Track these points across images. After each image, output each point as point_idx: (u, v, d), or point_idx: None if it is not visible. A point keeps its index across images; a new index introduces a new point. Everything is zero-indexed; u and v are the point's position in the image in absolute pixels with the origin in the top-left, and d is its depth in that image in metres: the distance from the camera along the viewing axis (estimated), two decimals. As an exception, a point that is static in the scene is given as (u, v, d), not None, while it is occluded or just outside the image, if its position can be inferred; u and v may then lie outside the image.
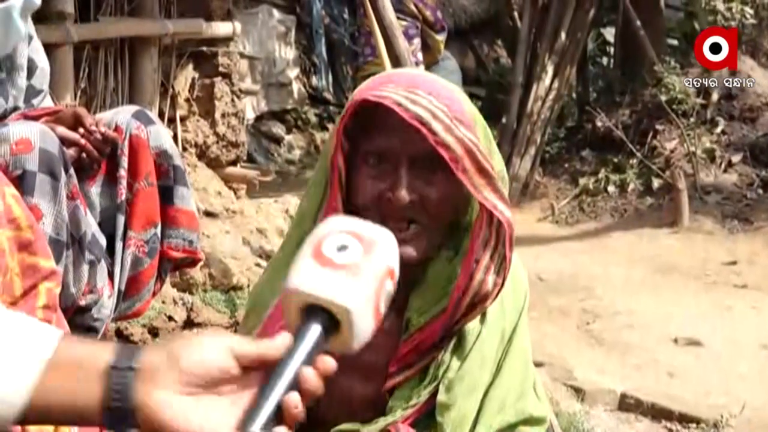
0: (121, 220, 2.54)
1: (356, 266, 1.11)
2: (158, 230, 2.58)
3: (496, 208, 1.50)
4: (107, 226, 2.56)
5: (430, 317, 1.57)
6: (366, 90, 1.53)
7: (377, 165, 1.53)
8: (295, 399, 1.03)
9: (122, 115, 2.58)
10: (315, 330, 1.08)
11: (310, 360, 1.06)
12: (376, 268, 1.13)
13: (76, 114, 2.47)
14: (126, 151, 2.53)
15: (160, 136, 2.59)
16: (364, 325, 1.11)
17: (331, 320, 1.09)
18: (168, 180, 2.60)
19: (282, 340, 1.08)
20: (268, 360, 1.07)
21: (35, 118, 2.45)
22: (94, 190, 2.56)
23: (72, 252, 2.34)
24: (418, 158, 1.51)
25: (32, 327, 1.11)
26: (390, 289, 1.16)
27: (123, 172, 2.53)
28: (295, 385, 1.04)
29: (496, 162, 1.55)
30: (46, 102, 2.73)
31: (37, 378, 1.06)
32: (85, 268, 2.40)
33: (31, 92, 2.65)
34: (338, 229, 1.14)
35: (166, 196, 2.60)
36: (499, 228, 1.52)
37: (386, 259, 1.15)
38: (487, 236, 1.52)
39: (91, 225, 2.47)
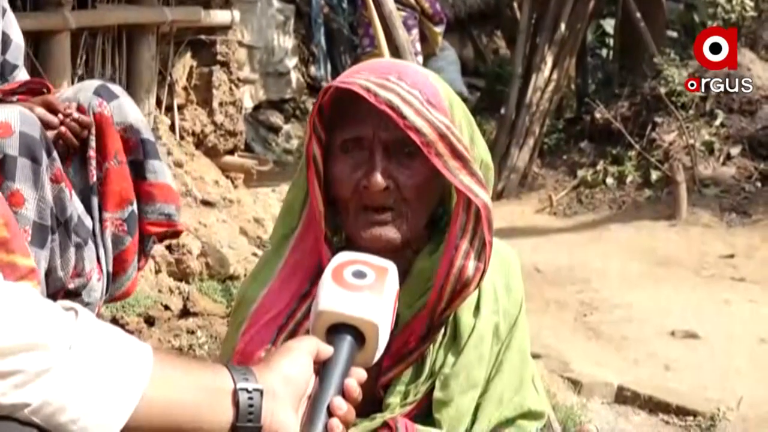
0: (95, 201, 2.48)
1: (376, 288, 1.25)
2: (135, 207, 2.52)
3: (472, 191, 1.49)
4: (85, 208, 2.50)
5: (416, 310, 1.56)
6: (338, 79, 1.52)
7: (353, 153, 1.52)
8: (339, 402, 1.16)
9: (84, 92, 2.49)
10: (350, 344, 1.21)
11: (347, 372, 1.20)
12: (390, 289, 1.27)
13: (47, 102, 2.40)
14: (93, 130, 2.45)
15: (123, 110, 2.48)
16: (384, 338, 1.25)
17: (356, 337, 1.22)
18: (138, 155, 2.50)
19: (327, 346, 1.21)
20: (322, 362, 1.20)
21: (8, 93, 2.40)
22: (71, 172, 2.50)
23: (58, 236, 2.30)
24: (393, 144, 1.50)
25: (128, 343, 1.11)
26: (396, 308, 1.29)
27: (92, 153, 2.45)
28: (341, 395, 1.18)
29: (480, 150, 1.55)
30: (21, 77, 2.66)
31: (137, 402, 1.07)
32: (72, 251, 2.35)
33: (6, 67, 2.59)
34: (350, 259, 1.29)
35: (138, 171, 2.52)
36: (477, 213, 1.51)
37: (396, 283, 1.29)
38: (464, 221, 1.51)
39: (77, 208, 2.41)
